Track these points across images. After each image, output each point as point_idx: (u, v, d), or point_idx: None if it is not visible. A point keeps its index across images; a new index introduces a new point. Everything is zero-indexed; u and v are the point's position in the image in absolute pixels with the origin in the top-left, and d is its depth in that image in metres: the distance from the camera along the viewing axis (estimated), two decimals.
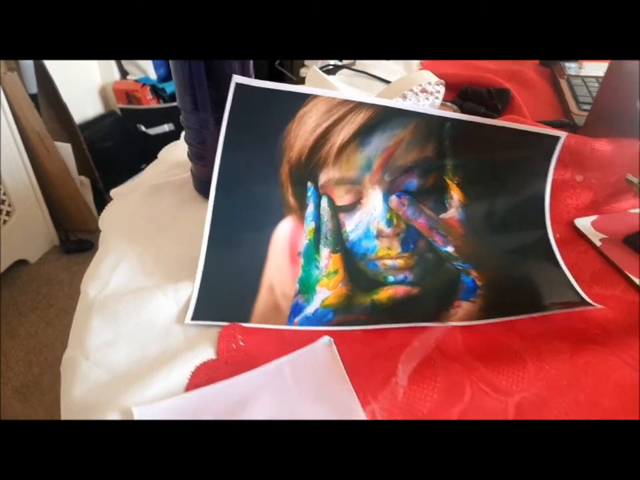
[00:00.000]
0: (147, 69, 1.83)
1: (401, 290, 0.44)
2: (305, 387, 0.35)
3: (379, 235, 0.47)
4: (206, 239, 0.43)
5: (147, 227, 0.49)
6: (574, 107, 0.68)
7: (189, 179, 0.55)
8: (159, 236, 0.48)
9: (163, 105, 1.86)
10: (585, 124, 0.60)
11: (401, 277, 0.45)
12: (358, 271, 0.45)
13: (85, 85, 1.82)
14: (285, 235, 0.45)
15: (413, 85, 0.46)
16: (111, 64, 1.86)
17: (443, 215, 0.48)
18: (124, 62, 1.87)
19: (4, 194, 1.42)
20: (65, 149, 1.53)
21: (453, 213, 0.48)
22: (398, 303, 0.43)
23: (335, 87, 0.69)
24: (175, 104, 1.85)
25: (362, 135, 0.44)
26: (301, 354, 0.36)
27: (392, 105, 0.44)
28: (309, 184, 0.45)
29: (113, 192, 0.58)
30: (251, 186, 0.44)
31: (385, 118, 0.44)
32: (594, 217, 0.50)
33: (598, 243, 0.47)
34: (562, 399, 0.34)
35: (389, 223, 0.47)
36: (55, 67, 1.54)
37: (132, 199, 0.54)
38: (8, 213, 1.45)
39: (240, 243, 0.44)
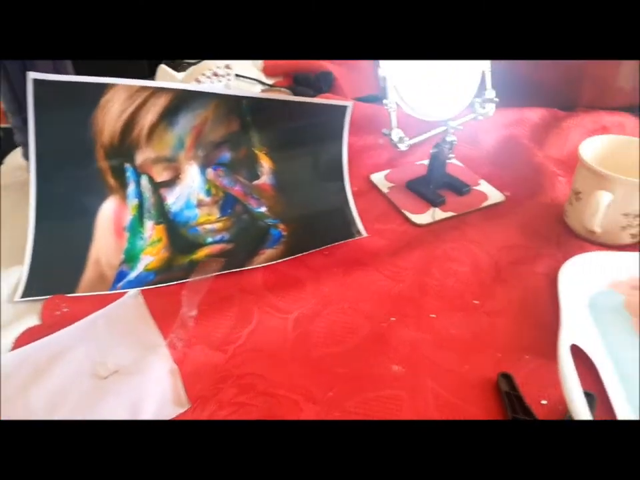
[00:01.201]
0: None
1: (217, 248, 0.51)
2: (116, 333, 0.40)
3: (200, 204, 0.53)
4: (32, 224, 0.47)
5: None
6: None
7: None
8: None
9: None
10: None
11: (218, 237, 0.52)
12: (180, 237, 0.51)
13: None
14: (109, 213, 0.51)
15: (205, 70, 0.53)
16: None
17: (256, 182, 0.55)
18: None
19: None
20: None
21: (264, 179, 0.55)
22: (213, 257, 0.49)
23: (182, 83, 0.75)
24: None
25: (168, 116, 0.51)
26: (111, 307, 0.42)
27: (188, 88, 0.50)
28: (127, 165, 0.51)
29: None
30: (70, 171, 0.49)
31: (185, 100, 0.51)
32: (387, 171, 0.60)
33: (386, 190, 0.56)
34: (330, 309, 0.42)
35: (208, 192, 0.53)
36: None
37: None
38: None
39: (65, 225, 0.49)
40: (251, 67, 0.84)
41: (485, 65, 0.52)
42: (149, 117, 0.50)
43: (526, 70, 0.65)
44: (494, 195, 0.55)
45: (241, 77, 0.81)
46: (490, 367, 0.37)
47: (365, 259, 0.47)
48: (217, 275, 0.46)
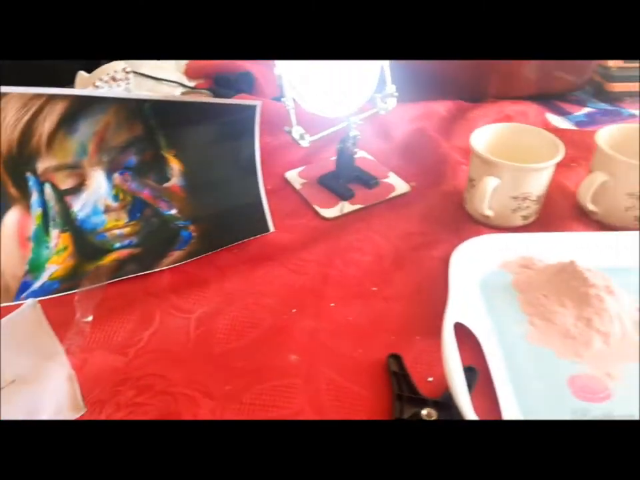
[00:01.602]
0: None
1: (124, 253, 0.50)
2: (13, 343, 0.40)
3: (107, 209, 0.53)
4: None
5: None
6: None
7: None
8: None
9: None
10: None
11: (126, 242, 0.51)
12: (86, 243, 0.51)
13: None
14: (12, 224, 0.50)
15: (102, 75, 0.53)
16: None
17: (166, 184, 0.55)
18: None
19: None
20: None
21: (174, 181, 0.55)
22: (120, 262, 0.49)
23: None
24: None
25: (66, 123, 0.50)
26: (9, 317, 0.41)
27: (84, 94, 0.50)
28: (28, 174, 0.50)
29: None
30: None
31: (83, 106, 0.50)
32: (301, 168, 0.61)
33: (298, 187, 0.58)
34: (233, 306, 0.43)
35: (115, 198, 0.53)
36: None
37: None
38: None
39: None
40: (174, 70, 0.84)
41: (383, 61, 0.54)
42: (46, 124, 0.49)
43: (435, 65, 0.67)
44: (400, 186, 0.57)
45: (163, 81, 0.81)
46: (382, 350, 0.38)
47: (272, 255, 0.48)
48: (123, 279, 0.46)
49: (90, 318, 0.40)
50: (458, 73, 0.69)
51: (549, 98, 0.73)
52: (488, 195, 0.47)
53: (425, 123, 0.66)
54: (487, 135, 0.51)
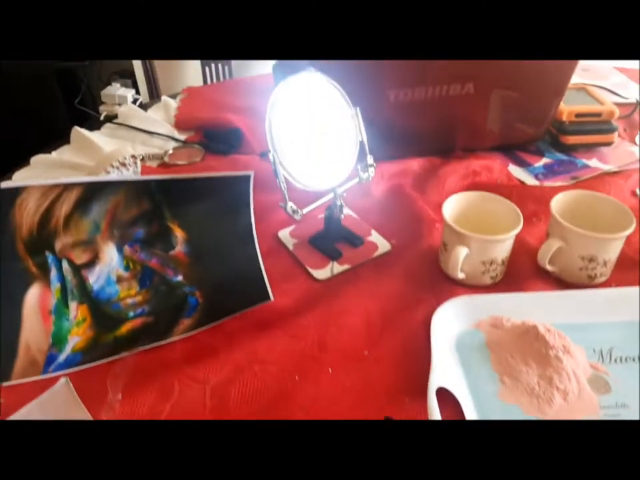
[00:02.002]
0: None
1: (138, 321, 0.56)
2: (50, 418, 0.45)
3: (119, 279, 0.58)
4: None
5: None
6: None
7: None
8: None
9: None
10: None
11: (139, 310, 0.57)
12: (103, 314, 0.56)
13: None
14: (35, 299, 0.54)
15: (112, 161, 0.58)
16: None
17: (171, 252, 0.60)
18: None
19: None
20: None
21: (179, 248, 0.61)
22: (136, 332, 0.55)
23: (97, 144, 0.78)
24: None
25: (81, 206, 0.55)
26: (45, 396, 0.46)
27: (98, 180, 0.55)
28: (47, 252, 0.55)
29: None
30: None
31: (96, 190, 0.55)
32: (292, 227, 0.67)
33: (291, 247, 0.64)
34: (242, 374, 0.48)
35: (127, 268, 0.58)
36: None
37: None
38: None
39: None
40: (164, 123, 0.88)
41: (362, 137, 0.60)
42: (63, 208, 0.54)
43: (406, 122, 0.74)
44: (382, 245, 0.63)
45: (155, 134, 0.86)
46: (376, 412, 0.45)
47: (273, 321, 0.54)
48: (140, 350, 0.52)
49: (119, 396, 0.45)
50: (428, 128, 0.76)
51: (511, 148, 0.81)
52: (459, 263, 0.54)
53: (402, 179, 0.72)
54: (457, 203, 0.58)
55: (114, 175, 0.59)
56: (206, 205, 0.61)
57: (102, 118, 1.60)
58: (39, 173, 0.75)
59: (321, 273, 0.60)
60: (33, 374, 0.50)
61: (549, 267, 0.57)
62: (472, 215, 0.58)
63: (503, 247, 0.55)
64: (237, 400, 0.47)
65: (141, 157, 0.78)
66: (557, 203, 0.58)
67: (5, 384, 0.49)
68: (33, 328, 0.54)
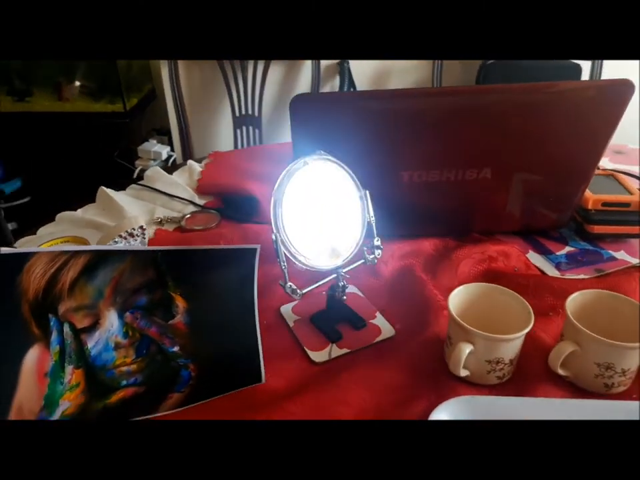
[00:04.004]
0: None
1: (130, 391, 0.55)
2: None
3: (117, 346, 0.58)
4: None
5: None
6: None
7: None
8: None
9: (3, 205, 1.87)
10: None
11: (132, 380, 0.56)
12: (96, 380, 0.56)
13: None
14: (33, 361, 0.55)
15: (121, 231, 0.60)
16: None
17: (171, 321, 0.60)
18: None
19: None
20: None
21: (179, 318, 0.61)
22: (125, 403, 0.54)
23: (119, 205, 0.81)
24: (16, 202, 1.86)
25: (87, 272, 0.56)
26: None
27: (105, 249, 0.56)
28: (50, 315, 0.56)
29: None
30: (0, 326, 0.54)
31: (103, 258, 0.56)
32: (295, 303, 0.66)
33: (292, 324, 0.63)
34: None
35: (125, 335, 0.58)
36: None
37: None
38: None
39: None
40: (186, 187, 0.92)
41: (371, 218, 0.60)
42: (70, 274, 0.56)
43: (420, 202, 0.73)
44: (386, 330, 0.61)
45: (175, 198, 0.89)
46: None
47: (263, 404, 0.52)
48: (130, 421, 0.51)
49: None
50: (443, 209, 0.75)
51: (532, 234, 0.78)
52: (462, 361, 0.51)
53: (413, 260, 0.71)
54: (465, 294, 0.56)
55: (121, 245, 0.61)
56: (210, 276, 0.62)
57: (135, 174, 1.68)
58: (63, 229, 0.78)
59: (319, 356, 0.58)
60: None
61: (561, 372, 0.53)
62: (481, 307, 0.56)
63: (510, 347, 0.52)
64: None
65: (159, 220, 0.81)
66: (574, 302, 0.55)
67: None
68: (28, 389, 0.54)
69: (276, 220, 0.53)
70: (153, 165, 1.68)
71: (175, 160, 1.85)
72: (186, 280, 0.61)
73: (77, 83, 1.69)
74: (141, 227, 0.63)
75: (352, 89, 1.74)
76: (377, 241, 0.60)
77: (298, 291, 0.55)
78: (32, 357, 0.55)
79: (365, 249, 0.60)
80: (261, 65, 1.63)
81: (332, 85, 1.77)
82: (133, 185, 0.93)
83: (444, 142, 0.67)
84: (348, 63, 1.71)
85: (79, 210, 0.85)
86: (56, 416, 0.52)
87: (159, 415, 0.52)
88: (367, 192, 0.59)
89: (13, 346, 0.55)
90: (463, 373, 0.52)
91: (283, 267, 0.54)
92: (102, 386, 0.55)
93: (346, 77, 1.69)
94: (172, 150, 1.85)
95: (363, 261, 0.60)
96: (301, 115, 0.62)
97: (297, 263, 0.55)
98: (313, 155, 0.56)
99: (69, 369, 0.56)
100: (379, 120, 0.65)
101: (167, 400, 0.54)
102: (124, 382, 0.56)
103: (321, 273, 0.59)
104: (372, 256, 0.60)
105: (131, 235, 0.60)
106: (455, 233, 0.76)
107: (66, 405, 0.54)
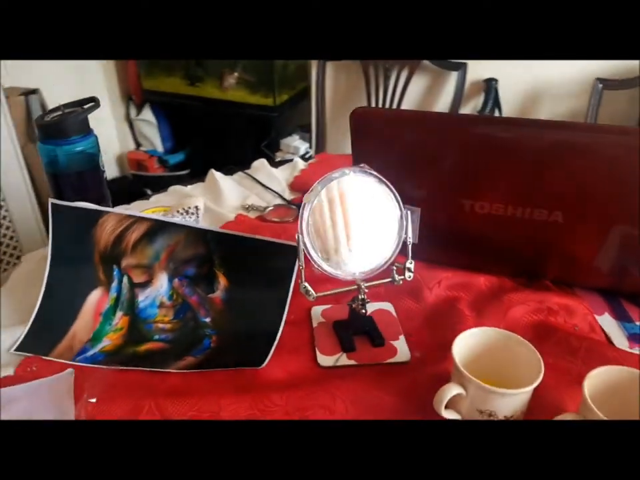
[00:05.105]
0: (156, 142, 2.17)
1: (158, 345, 0.63)
2: (47, 397, 0.54)
3: (161, 305, 0.67)
4: (40, 298, 0.65)
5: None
6: None
7: None
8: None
9: (167, 173, 2.18)
10: None
11: (163, 336, 0.64)
12: (136, 329, 0.65)
13: (105, 151, 2.16)
14: (94, 300, 0.66)
15: (179, 208, 0.67)
16: (128, 136, 2.21)
17: (211, 295, 0.67)
18: (138, 134, 2.21)
19: (16, 240, 1.72)
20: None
21: (218, 294, 0.67)
22: (150, 354, 0.62)
23: (220, 187, 0.92)
24: (178, 173, 2.14)
25: (148, 236, 0.65)
26: (53, 378, 0.56)
27: (165, 220, 0.65)
28: (114, 266, 0.66)
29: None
30: (74, 265, 0.66)
31: (163, 227, 0.65)
32: (327, 307, 0.68)
33: (315, 325, 0.65)
34: None
35: (170, 297, 0.67)
36: None
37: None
38: (18, 257, 1.74)
39: (63, 304, 0.65)
40: (281, 182, 0.98)
41: (408, 239, 0.59)
42: (134, 235, 0.65)
43: (481, 233, 0.68)
44: (402, 354, 0.60)
45: (268, 189, 0.96)
46: None
47: (257, 387, 0.55)
48: (142, 370, 0.58)
49: (94, 400, 0.52)
50: (507, 246, 0.68)
51: (617, 295, 0.68)
52: (444, 401, 0.48)
53: (461, 293, 0.67)
54: (476, 338, 0.53)
55: (178, 219, 0.69)
56: (252, 263, 0.67)
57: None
58: (170, 199, 0.91)
59: (326, 360, 0.59)
60: (65, 358, 0.61)
61: (445, 414, 0.49)
62: (495, 355, 0.52)
63: (505, 402, 0.47)
64: None
65: (247, 206, 0.88)
66: (590, 381, 0.47)
67: (44, 358, 0.60)
68: (84, 322, 0.65)
69: (301, 222, 0.56)
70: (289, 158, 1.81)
71: (310, 156, 1.96)
72: (230, 261, 0.67)
73: (236, 75, 1.88)
74: (196, 207, 0.70)
75: (496, 110, 1.66)
76: (410, 263, 0.59)
77: (313, 293, 0.57)
78: (94, 297, 0.66)
79: (395, 268, 0.59)
80: (403, 75, 1.64)
81: (476, 102, 1.70)
82: (240, 173, 1.03)
83: (514, 177, 0.62)
84: (496, 82, 1.63)
85: (189, 186, 0.97)
86: (95, 349, 0.62)
87: (169, 370, 0.58)
88: (408, 212, 0.58)
89: (83, 284, 0.66)
90: (448, 414, 0.49)
91: (301, 267, 0.56)
92: (139, 335, 0.64)
93: (491, 96, 1.62)
94: (311, 147, 1.96)
95: (389, 280, 0.60)
96: (361, 128, 0.64)
97: (315, 266, 0.57)
98: (356, 167, 0.57)
99: (119, 314, 0.66)
100: (443, 144, 0.63)
101: (181, 360, 0.60)
102: (156, 336, 0.64)
103: (344, 282, 0.60)
104: (401, 277, 0.59)
105: (187, 212, 0.68)
106: (516, 274, 0.70)
107: (107, 342, 0.63)
